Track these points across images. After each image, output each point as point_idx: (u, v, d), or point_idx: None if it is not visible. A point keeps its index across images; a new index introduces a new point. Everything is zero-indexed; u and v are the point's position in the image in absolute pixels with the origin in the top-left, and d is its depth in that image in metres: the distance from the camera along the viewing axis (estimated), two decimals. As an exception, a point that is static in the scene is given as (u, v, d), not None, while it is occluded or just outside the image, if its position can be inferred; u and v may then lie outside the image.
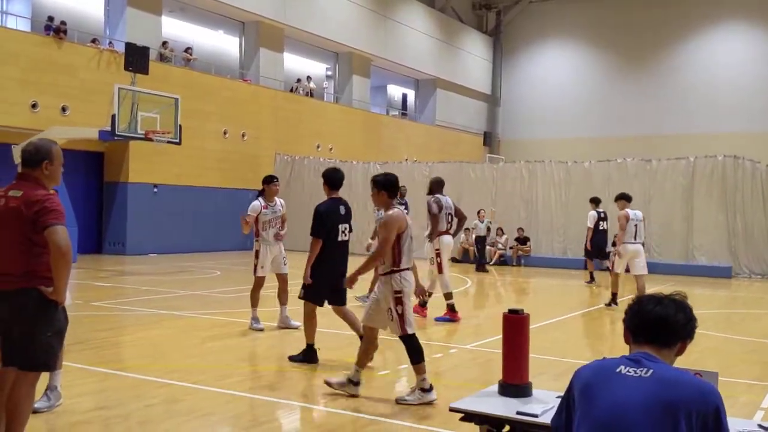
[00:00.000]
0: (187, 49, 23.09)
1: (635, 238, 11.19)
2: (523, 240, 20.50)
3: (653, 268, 18.81)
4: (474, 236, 19.46)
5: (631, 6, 34.45)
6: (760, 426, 3.04)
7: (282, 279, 8.96)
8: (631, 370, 2.32)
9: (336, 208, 6.90)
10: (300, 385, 6.47)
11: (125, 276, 15.63)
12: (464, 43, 36.55)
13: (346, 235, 6.98)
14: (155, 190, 20.44)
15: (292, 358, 7.06)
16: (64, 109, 18.09)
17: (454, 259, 20.41)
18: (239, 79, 24.47)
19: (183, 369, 6.87)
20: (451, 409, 3.15)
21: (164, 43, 21.98)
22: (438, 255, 9.74)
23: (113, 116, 15.32)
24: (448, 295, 9.81)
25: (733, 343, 8.92)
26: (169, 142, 16.70)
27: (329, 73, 30.89)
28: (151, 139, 16.09)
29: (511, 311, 3.44)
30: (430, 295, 9.92)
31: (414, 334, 5.72)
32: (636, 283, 11.39)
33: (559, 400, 2.56)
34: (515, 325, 3.41)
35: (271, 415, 5.59)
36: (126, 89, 15.84)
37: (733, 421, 2.70)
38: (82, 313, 9.15)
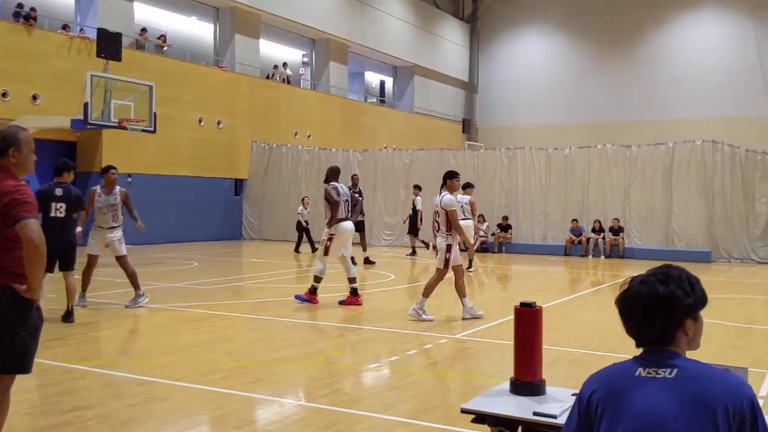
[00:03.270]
0: (161, 36, 22.59)
1: (463, 215, 14.15)
2: (505, 227, 20.42)
3: (633, 253, 18.96)
4: (297, 221, 19.27)
5: (607, -8, 34.45)
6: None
7: (459, 273, 9.26)
8: (651, 371, 2.07)
9: (52, 190, 8.58)
10: (289, 380, 6.26)
11: (99, 268, 15.21)
12: (441, 29, 36.31)
13: (60, 212, 8.54)
14: (129, 179, 19.94)
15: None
16: (34, 98, 17.58)
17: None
18: (214, 66, 24.03)
19: (164, 365, 6.63)
20: (464, 411, 2.95)
21: (143, 30, 21.49)
22: (330, 239, 10.16)
23: (86, 104, 14.97)
24: (317, 278, 10.13)
25: (720, 329, 8.80)
26: (143, 130, 16.37)
27: (306, 59, 30.51)
28: (125, 128, 15.74)
29: (523, 304, 3.24)
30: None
31: None
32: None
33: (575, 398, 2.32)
34: (528, 320, 3.21)
35: (261, 414, 5.37)
36: (98, 76, 15.46)
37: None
38: (57, 307, 8.83)
